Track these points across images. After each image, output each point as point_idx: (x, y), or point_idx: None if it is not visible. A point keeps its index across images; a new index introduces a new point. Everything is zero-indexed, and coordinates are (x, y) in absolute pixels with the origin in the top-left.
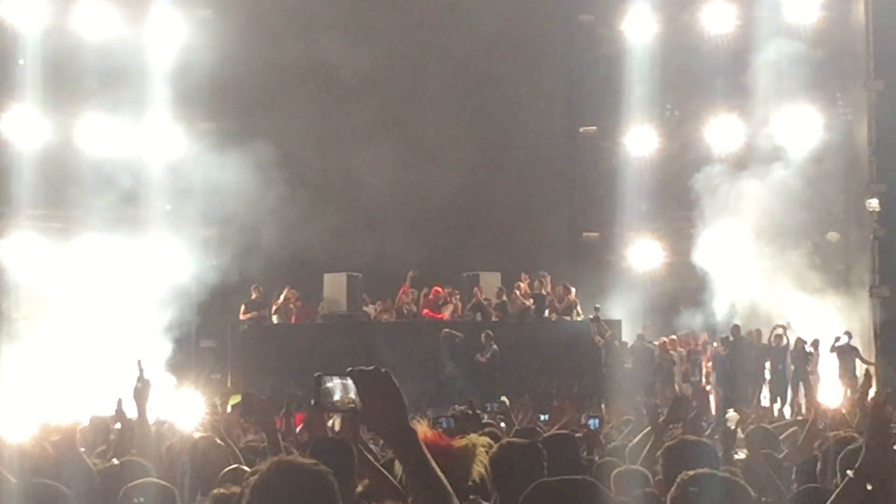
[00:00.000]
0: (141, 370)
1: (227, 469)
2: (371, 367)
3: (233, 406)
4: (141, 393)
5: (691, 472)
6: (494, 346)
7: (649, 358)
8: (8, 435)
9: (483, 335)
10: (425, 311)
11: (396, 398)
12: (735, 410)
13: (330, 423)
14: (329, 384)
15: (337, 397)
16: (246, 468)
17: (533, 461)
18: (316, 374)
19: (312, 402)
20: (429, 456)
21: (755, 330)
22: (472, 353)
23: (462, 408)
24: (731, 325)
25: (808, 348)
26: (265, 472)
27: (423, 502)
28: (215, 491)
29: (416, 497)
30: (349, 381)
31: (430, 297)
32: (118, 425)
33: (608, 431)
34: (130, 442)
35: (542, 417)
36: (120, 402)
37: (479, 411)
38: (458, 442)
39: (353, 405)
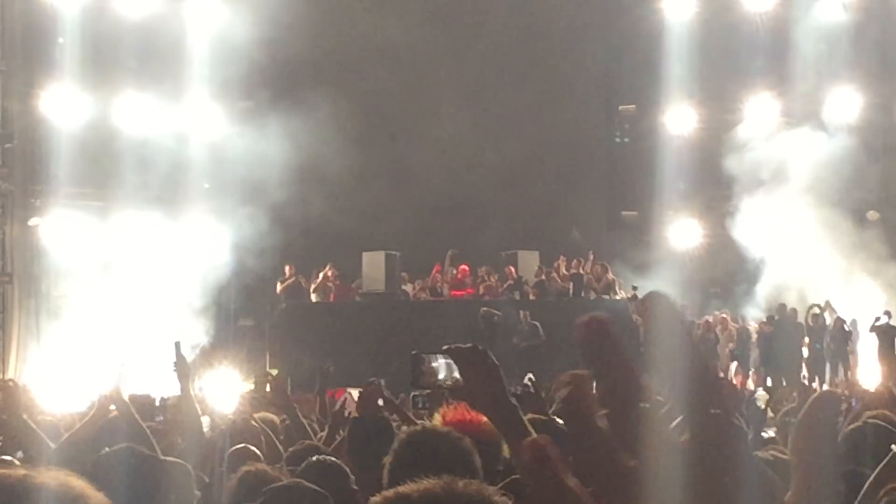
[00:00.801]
0: (178, 351)
1: (234, 448)
2: (468, 345)
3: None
4: (183, 372)
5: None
6: (535, 322)
7: None
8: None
9: (522, 314)
10: (452, 291)
11: (496, 375)
12: (765, 390)
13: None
14: (434, 363)
15: (442, 375)
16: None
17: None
18: (413, 353)
19: (411, 382)
20: (533, 432)
21: (791, 309)
22: (509, 333)
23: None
24: (775, 303)
25: (847, 328)
26: (405, 438)
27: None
28: (244, 468)
29: (524, 474)
30: (451, 360)
31: (458, 276)
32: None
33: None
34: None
35: None
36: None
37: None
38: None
39: (455, 383)
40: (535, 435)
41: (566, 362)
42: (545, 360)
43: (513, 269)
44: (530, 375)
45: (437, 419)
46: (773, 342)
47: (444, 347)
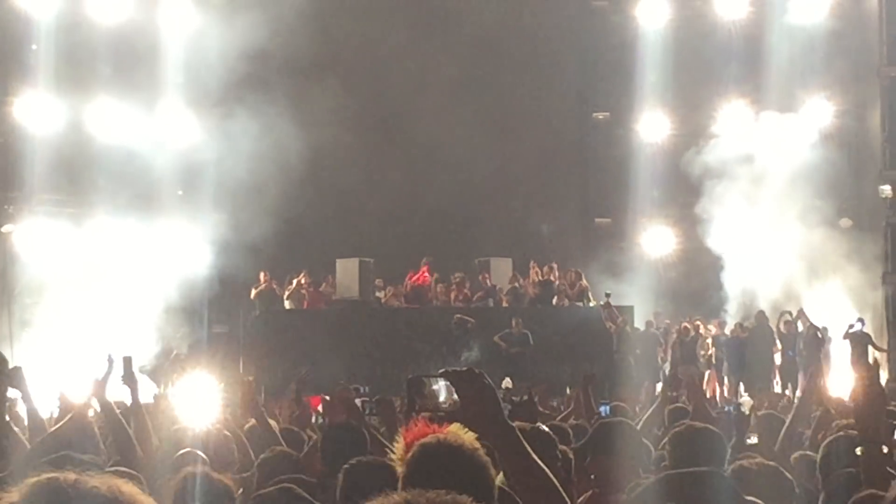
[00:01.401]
0: (128, 366)
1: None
2: (465, 369)
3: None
4: (132, 386)
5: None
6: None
7: (655, 344)
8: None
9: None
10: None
11: (492, 397)
12: (750, 396)
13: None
14: (435, 386)
15: (443, 398)
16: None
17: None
18: (411, 377)
19: (407, 404)
20: (531, 451)
21: (763, 316)
22: (486, 338)
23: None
24: (747, 310)
25: (820, 335)
26: (419, 450)
27: (530, 498)
28: (186, 469)
29: (523, 493)
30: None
31: (418, 279)
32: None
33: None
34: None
35: (554, 403)
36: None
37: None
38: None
39: (453, 405)
40: (531, 452)
41: (540, 368)
42: (522, 366)
43: (488, 276)
44: (508, 380)
45: (400, 442)
46: (745, 349)
47: (441, 371)
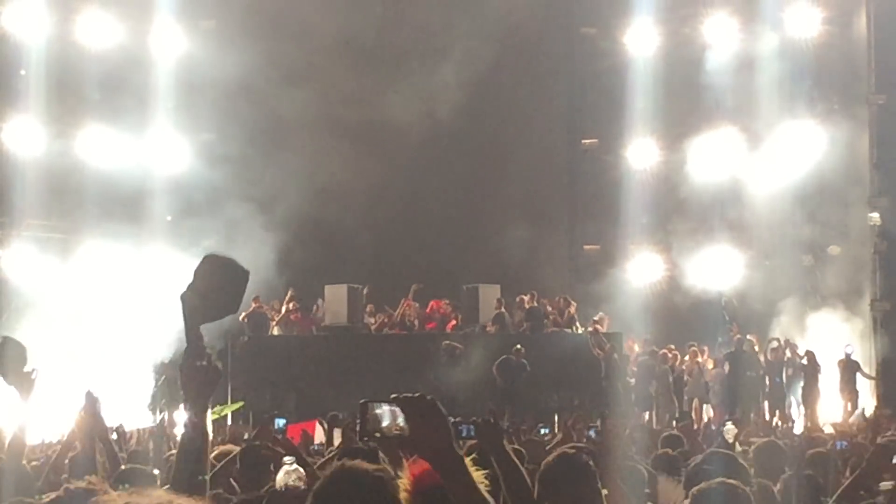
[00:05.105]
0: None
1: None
2: (417, 395)
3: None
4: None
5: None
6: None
7: (650, 373)
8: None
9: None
10: (427, 324)
11: (443, 425)
12: (734, 424)
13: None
14: (378, 411)
15: (385, 423)
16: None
17: (583, 472)
18: (362, 401)
19: (358, 431)
20: (478, 482)
21: (750, 343)
22: (474, 364)
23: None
24: (733, 338)
25: (808, 361)
26: (328, 476)
27: None
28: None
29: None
30: (397, 408)
31: (427, 311)
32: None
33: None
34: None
35: (542, 430)
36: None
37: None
38: None
39: (400, 432)
40: (478, 485)
41: (529, 394)
42: (511, 393)
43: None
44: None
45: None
46: (732, 377)
47: (393, 396)
